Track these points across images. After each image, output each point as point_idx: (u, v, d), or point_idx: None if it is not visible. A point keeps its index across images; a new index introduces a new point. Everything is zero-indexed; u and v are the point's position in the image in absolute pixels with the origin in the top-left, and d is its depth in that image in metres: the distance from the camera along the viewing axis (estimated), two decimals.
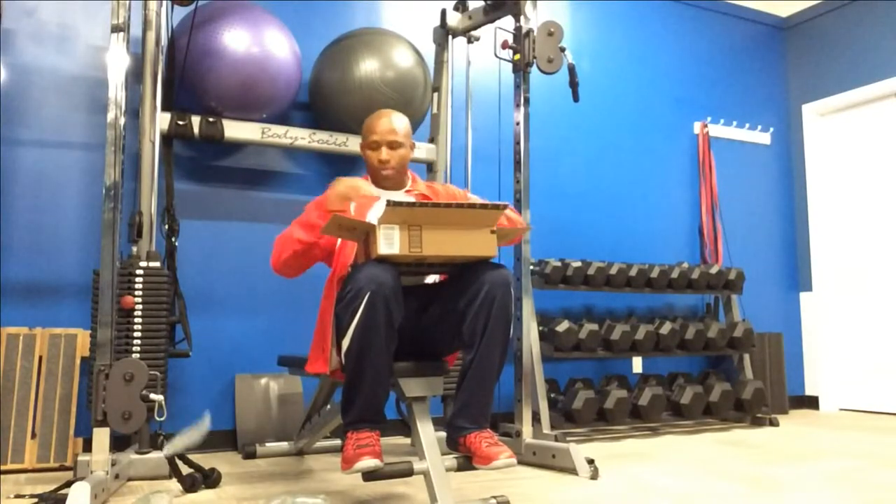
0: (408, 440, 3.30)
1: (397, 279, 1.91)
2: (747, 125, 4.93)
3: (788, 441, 3.40)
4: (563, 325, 3.54)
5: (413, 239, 1.89)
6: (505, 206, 1.96)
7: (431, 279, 2.26)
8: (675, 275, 4.03)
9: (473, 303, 1.97)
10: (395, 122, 2.30)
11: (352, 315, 1.86)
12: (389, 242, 1.88)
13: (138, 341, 2.48)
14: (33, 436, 2.63)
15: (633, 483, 2.43)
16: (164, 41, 2.80)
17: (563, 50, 2.90)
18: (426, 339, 2.17)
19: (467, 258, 1.98)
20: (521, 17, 2.91)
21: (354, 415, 1.97)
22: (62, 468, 2.64)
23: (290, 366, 2.60)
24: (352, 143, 3.20)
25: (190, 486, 2.26)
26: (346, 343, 1.90)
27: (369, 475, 1.89)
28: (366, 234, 1.96)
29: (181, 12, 3.00)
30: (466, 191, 2.57)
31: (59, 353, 2.72)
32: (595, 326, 3.62)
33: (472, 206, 1.93)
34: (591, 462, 2.55)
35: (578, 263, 3.76)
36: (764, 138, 4.99)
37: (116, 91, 2.20)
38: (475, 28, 3.35)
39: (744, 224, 4.81)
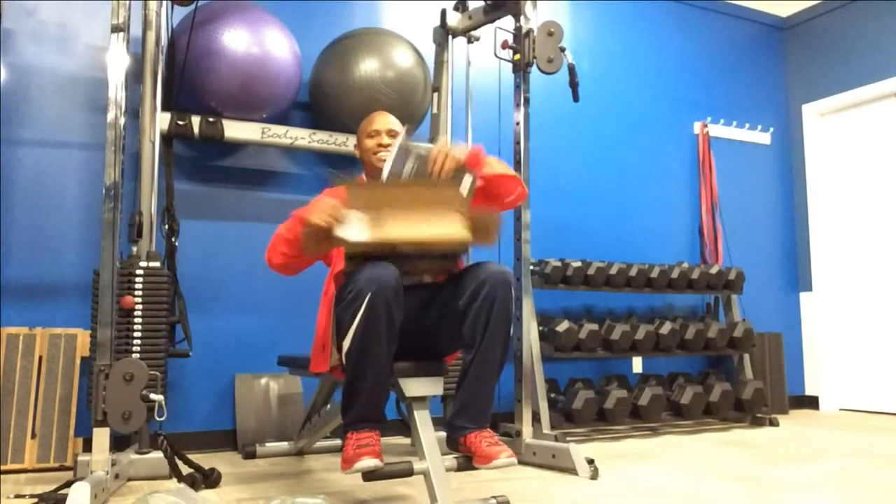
0: (408, 440, 3.30)
1: (398, 279, 1.91)
2: (747, 125, 4.93)
3: (788, 441, 3.40)
4: (563, 325, 3.54)
5: (374, 221, 1.85)
6: (467, 173, 1.98)
7: (430, 279, 2.26)
8: (675, 275, 4.03)
9: (474, 302, 1.97)
10: (392, 119, 2.38)
11: (353, 316, 1.87)
12: (353, 229, 1.84)
13: (138, 341, 2.48)
14: (33, 436, 2.63)
15: (633, 483, 2.43)
16: (164, 41, 2.80)
17: (563, 50, 2.90)
18: (427, 338, 2.17)
19: (440, 242, 1.93)
20: (521, 17, 2.91)
21: (355, 415, 1.97)
22: (62, 468, 2.64)
23: (290, 366, 2.60)
24: (352, 143, 3.19)
25: (190, 486, 2.26)
26: (346, 343, 1.91)
27: (369, 475, 1.89)
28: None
29: (181, 12, 3.00)
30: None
31: (59, 353, 2.72)
32: (595, 326, 3.62)
33: (430, 181, 1.94)
34: (590, 462, 2.55)
35: (578, 263, 3.76)
36: (764, 138, 4.99)
37: (116, 91, 2.20)
38: (475, 28, 3.35)
39: (744, 224, 4.81)
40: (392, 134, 2.33)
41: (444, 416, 3.19)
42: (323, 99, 3.22)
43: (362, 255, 1.92)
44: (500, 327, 1.97)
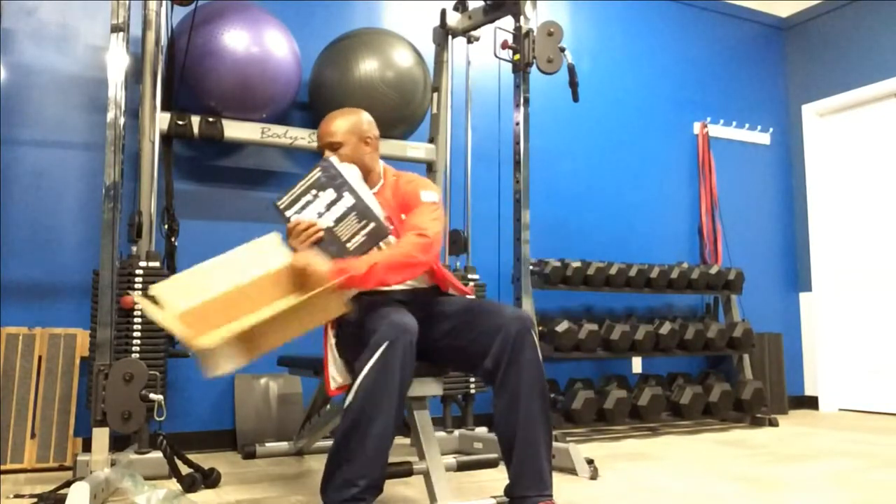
0: (408, 440, 3.30)
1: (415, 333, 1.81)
2: (747, 125, 4.93)
3: (788, 441, 3.40)
4: (562, 325, 3.54)
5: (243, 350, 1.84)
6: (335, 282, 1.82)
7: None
8: (674, 275, 4.03)
9: (497, 370, 1.85)
10: (332, 124, 2.08)
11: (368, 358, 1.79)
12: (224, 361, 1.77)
13: (138, 341, 2.48)
14: (33, 436, 2.63)
15: (632, 483, 2.43)
16: (164, 41, 2.80)
17: (562, 50, 2.90)
18: (429, 351, 2.07)
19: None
20: (521, 17, 2.91)
21: (352, 473, 1.74)
22: (62, 468, 2.64)
23: (290, 366, 2.60)
24: None
25: (189, 486, 2.26)
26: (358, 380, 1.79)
27: None
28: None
29: (181, 12, 3.00)
30: (419, 192, 2.11)
31: (58, 353, 2.72)
32: (595, 326, 3.62)
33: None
34: (590, 462, 2.55)
35: (578, 263, 3.76)
36: (764, 138, 4.99)
37: (116, 91, 2.20)
38: (475, 28, 3.35)
39: (744, 224, 4.81)
40: (333, 147, 2.05)
41: (444, 415, 3.19)
42: (323, 99, 3.22)
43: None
44: (534, 385, 1.84)
